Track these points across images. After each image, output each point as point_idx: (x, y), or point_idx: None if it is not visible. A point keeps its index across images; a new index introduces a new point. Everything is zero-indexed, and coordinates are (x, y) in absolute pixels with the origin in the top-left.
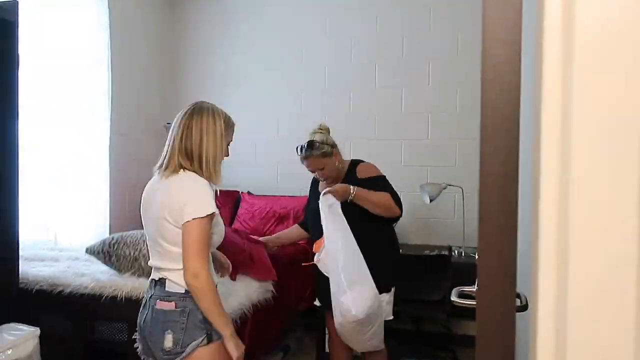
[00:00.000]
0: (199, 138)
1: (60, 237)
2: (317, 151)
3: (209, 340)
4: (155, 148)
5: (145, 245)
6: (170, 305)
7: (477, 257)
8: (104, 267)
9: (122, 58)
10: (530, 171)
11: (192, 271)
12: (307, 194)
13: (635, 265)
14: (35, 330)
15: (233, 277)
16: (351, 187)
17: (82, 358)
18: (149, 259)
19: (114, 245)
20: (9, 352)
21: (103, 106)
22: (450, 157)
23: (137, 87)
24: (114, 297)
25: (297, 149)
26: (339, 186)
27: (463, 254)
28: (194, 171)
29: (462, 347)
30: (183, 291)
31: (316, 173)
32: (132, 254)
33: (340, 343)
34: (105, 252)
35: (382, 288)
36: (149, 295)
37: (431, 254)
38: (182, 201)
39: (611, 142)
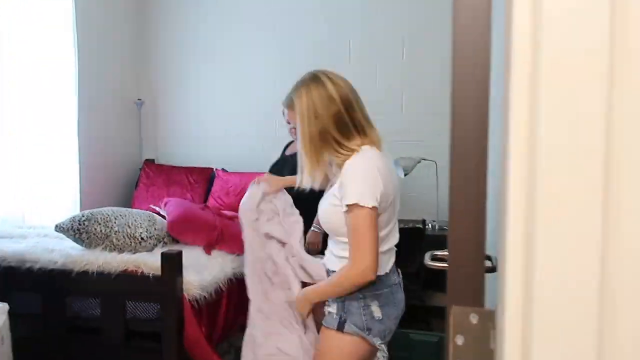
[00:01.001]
0: None
1: (29, 215)
2: None
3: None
4: (127, 124)
5: (116, 222)
6: None
7: (448, 221)
8: (74, 244)
9: (89, 30)
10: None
11: None
12: None
13: (600, 217)
14: (4, 306)
15: (208, 252)
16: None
17: (54, 334)
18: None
19: (84, 222)
20: None
21: (70, 81)
22: (424, 132)
23: (106, 61)
24: (85, 272)
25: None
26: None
27: (437, 227)
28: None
29: (436, 319)
30: None
31: (290, 125)
32: (103, 230)
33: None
34: (76, 229)
35: None
36: (399, 281)
37: (406, 227)
38: None
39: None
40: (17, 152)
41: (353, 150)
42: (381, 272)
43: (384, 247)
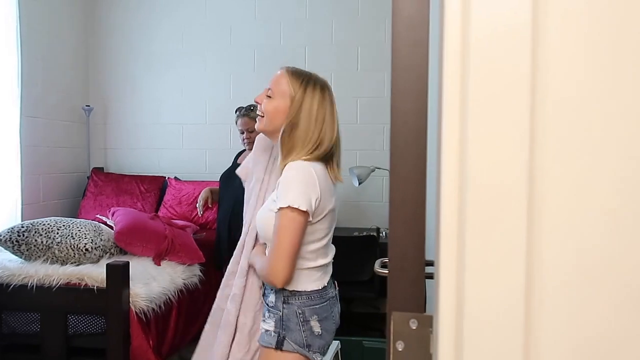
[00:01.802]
0: None
1: None
2: (255, 114)
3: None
4: (73, 132)
5: (58, 233)
6: None
7: (388, 229)
8: (12, 256)
9: (34, 34)
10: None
11: None
12: None
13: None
14: None
15: (157, 263)
16: None
17: None
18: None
19: (23, 232)
20: None
21: (12, 86)
22: (378, 141)
23: (52, 66)
24: (23, 286)
25: (237, 109)
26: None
27: None
28: None
29: None
30: None
31: (244, 135)
32: (44, 242)
33: None
34: (14, 241)
35: None
36: (336, 293)
37: (360, 235)
38: None
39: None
40: None
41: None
42: (319, 287)
43: (323, 261)
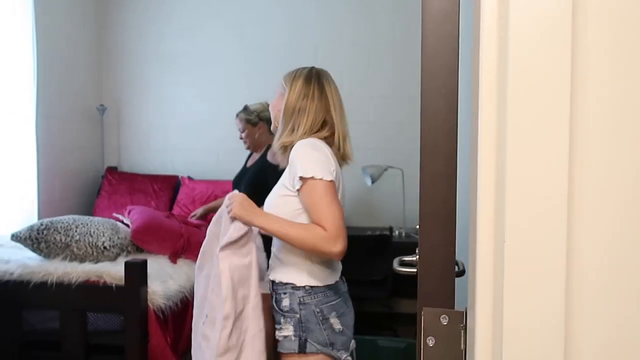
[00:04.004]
0: None
1: None
2: (244, 115)
3: None
4: (87, 132)
5: (76, 231)
6: None
7: (419, 226)
8: (32, 254)
9: (50, 34)
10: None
11: None
12: None
13: (565, 223)
14: None
15: (173, 261)
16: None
17: (8, 349)
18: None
19: (43, 231)
20: None
21: (28, 87)
22: (392, 140)
23: (67, 66)
24: (43, 283)
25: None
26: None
27: (404, 234)
28: None
29: (403, 325)
30: None
31: (244, 142)
32: (63, 240)
33: None
34: (34, 239)
35: None
36: (346, 289)
37: (373, 234)
38: None
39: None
40: None
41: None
42: (332, 281)
43: None
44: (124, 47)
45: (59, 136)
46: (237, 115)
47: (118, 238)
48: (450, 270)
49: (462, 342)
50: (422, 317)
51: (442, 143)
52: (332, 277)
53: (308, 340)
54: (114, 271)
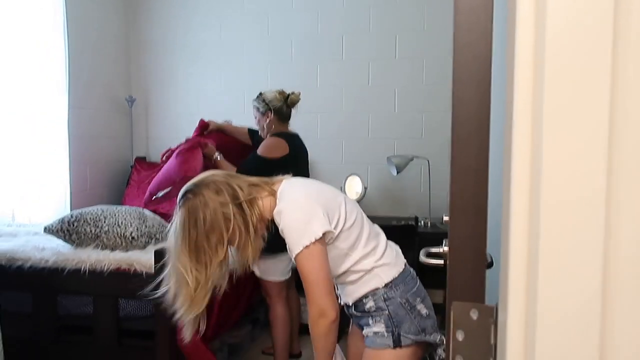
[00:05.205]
0: None
1: (19, 214)
2: (255, 102)
3: None
4: (117, 122)
5: (105, 222)
6: None
7: (448, 217)
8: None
9: (80, 27)
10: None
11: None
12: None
13: (603, 216)
14: None
15: None
16: (216, 153)
17: (45, 333)
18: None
19: (73, 223)
20: None
21: (60, 79)
22: (417, 130)
23: (97, 58)
24: (77, 270)
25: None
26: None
27: (429, 225)
28: None
29: None
30: None
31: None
32: (92, 231)
33: None
34: (65, 231)
35: None
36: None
37: (398, 224)
38: None
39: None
40: (7, 150)
41: (272, 195)
42: (402, 265)
43: (381, 240)
44: (152, 39)
45: (90, 127)
46: (253, 101)
47: (146, 227)
48: (480, 266)
49: (493, 337)
50: (452, 312)
51: (474, 135)
52: (400, 260)
53: (401, 334)
54: (144, 259)
